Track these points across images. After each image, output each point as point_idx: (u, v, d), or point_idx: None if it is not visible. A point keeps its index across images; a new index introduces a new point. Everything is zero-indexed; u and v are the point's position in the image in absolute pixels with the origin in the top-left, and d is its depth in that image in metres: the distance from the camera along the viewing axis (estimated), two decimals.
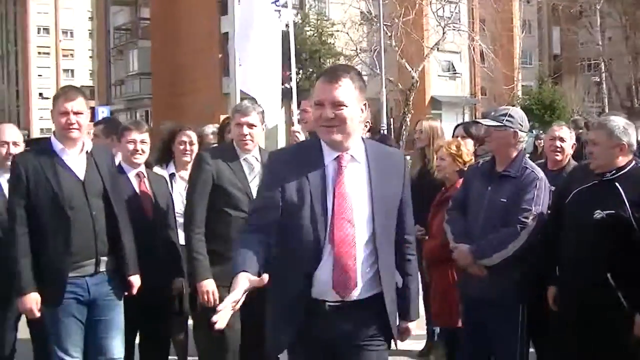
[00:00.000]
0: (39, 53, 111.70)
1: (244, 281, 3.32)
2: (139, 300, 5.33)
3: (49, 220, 4.95)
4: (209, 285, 5.08)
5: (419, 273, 4.28)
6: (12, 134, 6.08)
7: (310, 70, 38.83)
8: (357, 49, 39.64)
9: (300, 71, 39.15)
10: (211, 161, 5.25)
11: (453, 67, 50.94)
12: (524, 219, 5.01)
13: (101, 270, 5.08)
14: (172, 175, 6.58)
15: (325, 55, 39.37)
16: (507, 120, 5.23)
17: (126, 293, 5.29)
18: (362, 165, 3.76)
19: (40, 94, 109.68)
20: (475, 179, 5.46)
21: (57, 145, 5.11)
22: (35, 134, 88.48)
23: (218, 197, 5.18)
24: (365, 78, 28.59)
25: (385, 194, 3.74)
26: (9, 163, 5.49)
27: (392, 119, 39.46)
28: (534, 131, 36.78)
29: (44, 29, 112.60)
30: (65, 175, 5.00)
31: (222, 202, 5.18)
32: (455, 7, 41.87)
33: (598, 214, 4.71)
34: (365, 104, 3.73)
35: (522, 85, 52.51)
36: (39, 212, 4.95)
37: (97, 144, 5.86)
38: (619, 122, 4.86)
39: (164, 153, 6.75)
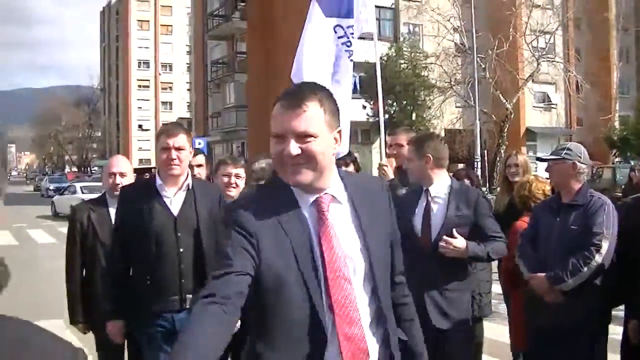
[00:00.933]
0: (139, 86, 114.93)
1: None
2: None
3: (139, 254, 4.96)
4: None
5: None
6: (120, 165, 6.26)
7: (404, 103, 38.95)
8: (451, 81, 39.65)
9: (394, 104, 39.33)
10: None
11: (548, 97, 50.30)
12: (597, 242, 5.06)
13: (187, 307, 4.94)
14: None
15: (419, 88, 39.38)
16: (565, 153, 5.40)
17: None
18: (345, 205, 3.01)
19: (140, 126, 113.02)
20: (544, 213, 5.57)
21: (158, 181, 5.12)
22: (134, 164, 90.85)
23: None
24: (460, 110, 28.83)
25: (378, 237, 3.02)
26: (117, 193, 5.59)
27: (485, 151, 39.19)
28: (631, 162, 36.31)
29: (144, 62, 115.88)
30: (158, 211, 4.98)
31: None
32: (550, 37, 41.49)
33: None
34: (339, 131, 2.96)
35: (619, 116, 51.50)
36: (130, 244, 4.98)
37: (207, 182, 6.03)
38: None
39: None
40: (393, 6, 45.83)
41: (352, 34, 8.09)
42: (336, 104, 2.99)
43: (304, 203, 2.94)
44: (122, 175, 6.18)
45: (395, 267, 3.18)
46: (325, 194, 2.95)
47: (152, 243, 4.91)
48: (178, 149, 5.00)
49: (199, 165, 6.82)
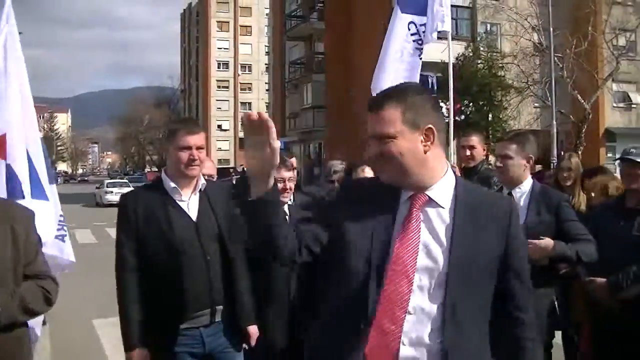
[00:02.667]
0: (219, 87, 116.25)
1: None
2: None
3: (160, 266, 4.49)
4: None
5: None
6: (207, 167, 5.98)
7: (481, 103, 38.68)
8: (527, 80, 39.22)
9: (471, 104, 39.09)
10: None
11: (628, 97, 49.30)
12: None
13: (217, 320, 4.61)
14: None
15: (495, 88, 38.97)
16: None
17: (245, 345, 4.84)
18: (446, 211, 2.93)
19: (219, 126, 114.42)
20: (605, 215, 5.48)
21: (169, 184, 4.68)
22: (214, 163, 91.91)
23: None
24: (537, 110, 28.20)
25: (475, 253, 2.86)
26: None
27: (562, 152, 38.63)
28: None
29: (223, 63, 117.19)
30: (177, 217, 4.58)
31: None
32: (631, 35, 40.68)
33: None
34: (429, 129, 2.90)
35: None
36: (148, 257, 4.52)
37: (213, 180, 5.61)
38: None
39: None
40: (470, 5, 45.53)
41: (424, 32, 8.34)
42: (423, 101, 2.91)
43: (403, 197, 2.95)
44: (210, 177, 5.92)
45: (515, 300, 2.98)
46: (423, 194, 2.92)
47: (176, 253, 4.49)
48: (199, 148, 4.64)
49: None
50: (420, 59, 8.59)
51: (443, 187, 2.96)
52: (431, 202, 2.93)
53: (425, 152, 2.89)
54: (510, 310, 2.99)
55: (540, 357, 3.13)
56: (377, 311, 2.80)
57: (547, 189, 5.53)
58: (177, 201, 4.64)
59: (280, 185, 5.29)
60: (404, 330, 2.79)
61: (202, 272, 4.53)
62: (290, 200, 5.67)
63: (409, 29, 8.26)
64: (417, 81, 8.24)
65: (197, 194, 4.73)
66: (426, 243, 2.86)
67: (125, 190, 49.51)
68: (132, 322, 4.47)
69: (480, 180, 6.56)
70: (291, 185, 5.53)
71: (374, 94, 8.03)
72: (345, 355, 2.81)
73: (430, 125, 2.89)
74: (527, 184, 5.25)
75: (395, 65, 8.21)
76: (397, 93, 2.93)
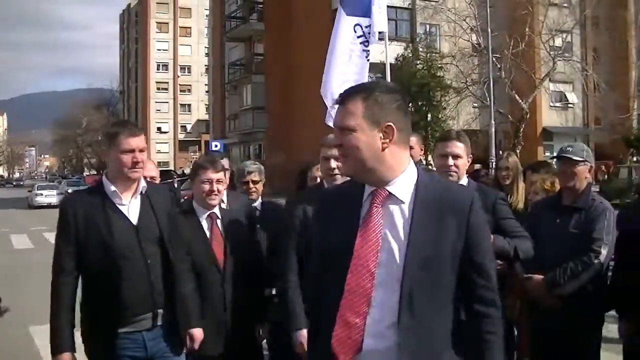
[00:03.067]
0: (158, 88, 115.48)
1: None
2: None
3: (100, 270, 4.42)
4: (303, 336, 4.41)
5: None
6: (149, 169, 5.80)
7: (420, 103, 38.88)
8: (466, 81, 39.57)
9: (410, 104, 39.20)
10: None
11: (565, 97, 50.10)
12: (597, 248, 5.05)
13: (158, 324, 4.54)
14: None
15: (434, 88, 39.32)
16: (586, 155, 5.41)
17: (186, 348, 4.81)
18: (406, 205, 2.96)
19: (159, 128, 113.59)
20: (543, 212, 5.56)
21: (109, 187, 4.57)
22: None
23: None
24: (476, 110, 28.70)
25: (434, 247, 2.89)
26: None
27: (501, 151, 39.09)
28: None
29: (163, 65, 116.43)
30: (117, 221, 4.49)
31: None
32: (567, 36, 41.30)
33: None
34: (389, 126, 2.94)
35: (638, 115, 51.10)
36: (88, 261, 4.45)
37: (155, 183, 5.43)
38: None
39: (301, 190, 6.32)
40: (410, 6, 45.70)
41: (370, 33, 8.27)
42: (389, 100, 2.96)
43: (366, 194, 3.02)
44: (152, 179, 5.72)
45: (476, 292, 2.99)
46: (383, 189, 2.98)
47: (116, 257, 4.40)
48: (142, 150, 4.55)
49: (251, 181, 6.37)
50: (368, 60, 8.52)
51: (403, 182, 3.00)
52: (391, 197, 2.97)
53: (383, 149, 2.94)
54: (472, 304, 3.01)
55: (501, 352, 3.04)
56: (341, 305, 2.91)
57: (483, 187, 5.48)
58: (117, 205, 4.55)
59: (206, 187, 5.29)
60: (367, 323, 2.87)
61: (142, 275, 4.46)
62: (222, 202, 5.57)
63: (355, 31, 8.21)
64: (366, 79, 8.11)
65: (138, 197, 4.64)
66: (387, 238, 2.92)
67: (54, 193, 50.51)
68: (61, 328, 4.37)
69: None
70: (219, 187, 5.33)
71: (325, 99, 8.12)
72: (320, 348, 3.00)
73: (390, 123, 2.93)
74: (464, 182, 5.16)
75: (344, 68, 8.14)
76: (364, 89, 3.01)
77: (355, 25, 8.20)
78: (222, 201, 5.55)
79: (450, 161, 5.09)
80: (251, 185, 6.31)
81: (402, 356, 2.83)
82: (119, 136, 4.50)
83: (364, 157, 2.93)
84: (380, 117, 2.93)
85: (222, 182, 5.42)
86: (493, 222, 4.89)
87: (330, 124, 7.98)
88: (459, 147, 5.14)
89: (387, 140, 2.94)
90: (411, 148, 6.94)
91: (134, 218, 4.55)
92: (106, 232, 4.42)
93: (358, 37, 8.27)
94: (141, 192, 4.64)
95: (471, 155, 5.34)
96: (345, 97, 2.98)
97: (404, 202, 2.96)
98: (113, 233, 4.43)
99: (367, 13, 8.32)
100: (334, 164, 4.95)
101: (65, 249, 4.44)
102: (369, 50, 8.46)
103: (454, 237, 2.93)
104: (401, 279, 2.84)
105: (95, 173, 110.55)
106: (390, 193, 2.97)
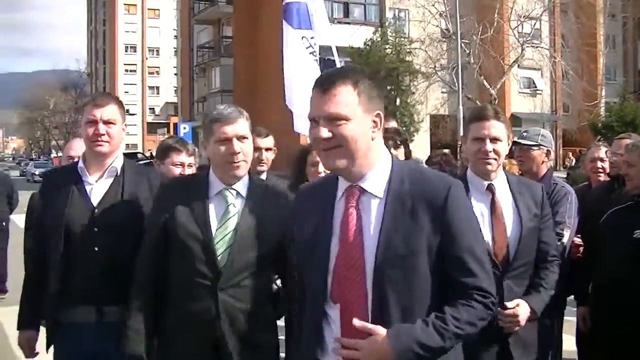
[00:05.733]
0: (126, 71, 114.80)
1: None
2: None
3: (49, 253, 4.15)
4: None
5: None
6: (79, 148, 5.43)
7: (389, 88, 38.82)
8: (435, 66, 39.55)
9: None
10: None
11: (534, 83, 50.32)
12: (559, 231, 4.88)
13: (106, 320, 4.04)
14: None
15: (403, 73, 39.35)
16: (541, 140, 5.46)
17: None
18: (380, 200, 2.83)
19: (127, 111, 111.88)
20: None
21: (80, 163, 4.31)
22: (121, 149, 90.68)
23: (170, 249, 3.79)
24: (444, 95, 28.70)
25: (406, 245, 2.74)
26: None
27: None
28: None
29: (131, 47, 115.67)
30: (75, 201, 4.12)
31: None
32: (535, 23, 41.38)
33: (638, 233, 4.73)
34: (378, 115, 2.83)
35: (605, 102, 51.50)
36: (42, 242, 4.24)
37: (145, 167, 5.15)
38: None
39: (299, 177, 5.43)
40: None
41: (315, 44, 8.52)
42: (374, 87, 2.86)
43: (340, 191, 2.92)
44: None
45: (450, 292, 2.81)
46: (357, 186, 2.86)
47: (64, 239, 4.07)
48: (107, 122, 4.18)
49: (268, 149, 5.65)
50: (321, 70, 8.61)
51: (377, 175, 2.87)
52: (365, 192, 2.86)
53: (372, 139, 2.84)
54: (453, 302, 2.80)
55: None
56: (340, 314, 2.84)
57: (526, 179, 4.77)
58: (84, 183, 4.22)
59: (177, 170, 5.24)
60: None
61: (86, 263, 4.05)
62: None
63: (303, 43, 8.41)
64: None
65: (110, 177, 4.25)
66: (367, 236, 2.81)
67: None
68: (25, 304, 4.31)
69: None
70: (189, 172, 5.20)
71: (292, 108, 8.14)
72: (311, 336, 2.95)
73: (379, 111, 2.84)
74: (501, 176, 4.29)
75: (305, 81, 8.05)
76: (352, 74, 2.84)
77: (302, 37, 8.40)
78: None
79: (489, 145, 4.09)
80: (264, 153, 5.56)
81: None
82: (85, 107, 4.30)
83: (359, 148, 2.79)
84: (371, 105, 2.81)
85: (192, 167, 5.33)
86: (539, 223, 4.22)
87: (301, 131, 8.08)
88: (498, 128, 4.13)
89: (376, 130, 2.85)
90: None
91: (95, 199, 4.16)
92: (61, 212, 4.08)
93: (307, 47, 8.45)
94: (116, 174, 4.25)
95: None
96: (333, 83, 2.79)
97: (378, 197, 2.84)
98: (66, 214, 4.08)
99: (309, 26, 8.52)
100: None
101: (29, 230, 4.55)
102: (318, 59, 8.62)
103: (429, 232, 2.77)
104: (372, 281, 2.75)
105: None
106: (363, 189, 2.86)
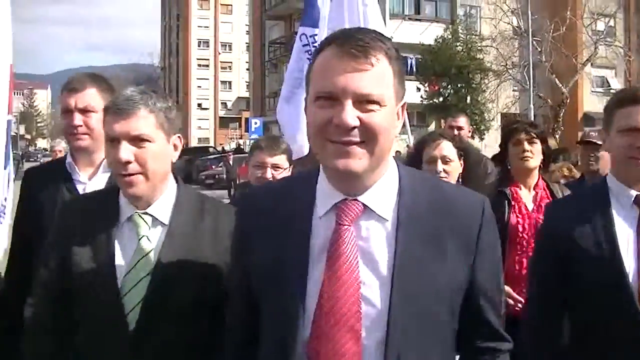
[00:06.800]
0: (199, 65, 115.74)
1: None
2: None
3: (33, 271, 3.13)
4: None
5: None
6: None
7: (459, 85, 38.68)
8: (506, 64, 39.17)
9: (449, 86, 39.12)
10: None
11: (607, 82, 49.42)
12: None
13: None
14: None
15: (474, 71, 39.06)
16: None
17: None
18: (388, 225, 2.09)
19: (199, 105, 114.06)
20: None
21: (68, 158, 3.69)
22: (193, 143, 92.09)
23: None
24: (516, 94, 28.29)
25: (428, 283, 2.04)
26: None
27: None
28: None
29: (204, 42, 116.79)
30: (63, 200, 3.44)
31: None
32: (609, 20, 40.69)
33: None
34: (403, 105, 2.14)
35: None
36: (26, 261, 3.49)
37: None
38: None
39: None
40: None
41: (313, 43, 8.02)
42: (403, 68, 2.13)
43: (324, 205, 2.13)
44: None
45: (486, 327, 2.21)
46: (355, 200, 2.09)
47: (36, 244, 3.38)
48: (83, 110, 3.54)
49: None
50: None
51: (383, 188, 2.12)
52: (367, 211, 2.10)
53: (394, 137, 2.13)
54: (477, 341, 2.23)
55: None
56: None
57: None
58: (74, 182, 3.61)
59: (258, 173, 4.55)
60: None
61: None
62: None
63: (301, 40, 8.02)
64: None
65: (105, 172, 3.60)
66: (364, 274, 2.06)
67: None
68: None
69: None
70: (274, 174, 4.52)
71: (284, 129, 7.48)
72: None
73: (405, 101, 2.17)
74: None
75: (288, 83, 7.82)
76: (386, 42, 2.06)
77: (302, 34, 8.09)
78: None
79: None
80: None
81: None
82: (61, 93, 3.68)
83: (385, 148, 2.05)
84: (401, 89, 2.10)
85: (279, 169, 4.54)
86: None
87: (280, 118, 7.63)
88: None
89: (398, 123, 2.14)
90: (461, 129, 7.02)
91: None
92: (48, 211, 3.42)
93: (303, 45, 8.14)
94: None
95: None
96: (369, 47, 1.99)
97: (385, 220, 2.10)
98: (44, 211, 3.49)
99: (315, 24, 8.17)
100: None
101: (20, 229, 3.73)
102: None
103: (456, 265, 2.10)
104: (385, 331, 2.02)
105: None
106: (365, 206, 2.09)
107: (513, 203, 4.81)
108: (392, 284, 2.02)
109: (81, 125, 3.54)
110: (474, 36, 41.04)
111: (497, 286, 2.25)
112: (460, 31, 41.14)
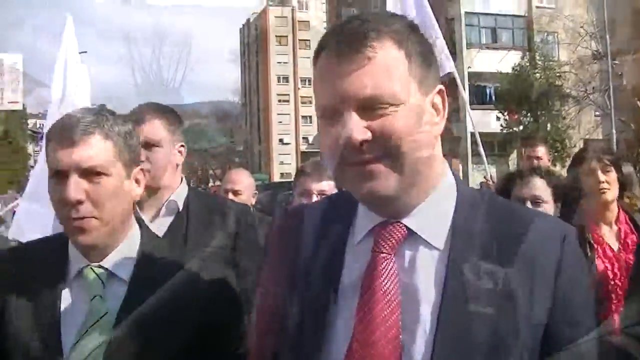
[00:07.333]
0: (279, 101, 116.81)
1: None
2: None
3: None
4: None
5: None
6: (239, 180, 5.26)
7: (539, 112, 38.19)
8: (586, 89, 38.51)
9: (529, 114, 38.67)
10: None
11: None
12: None
13: None
14: None
15: (553, 97, 38.53)
16: None
17: None
18: (438, 254, 1.68)
19: (281, 140, 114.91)
20: None
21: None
22: (276, 178, 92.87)
23: None
24: (598, 119, 27.69)
25: (488, 327, 1.59)
26: None
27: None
28: None
29: (283, 77, 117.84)
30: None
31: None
32: None
33: None
34: (441, 92, 1.74)
35: None
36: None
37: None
38: None
39: None
40: (526, 14, 45.00)
41: None
42: (426, 44, 1.71)
43: (362, 228, 1.76)
44: (235, 193, 5.12)
45: None
46: (398, 222, 1.70)
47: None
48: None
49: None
50: None
51: (435, 207, 1.72)
52: (413, 237, 1.70)
53: (435, 136, 1.72)
54: None
55: None
56: None
57: None
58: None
59: (304, 201, 4.10)
60: None
61: None
62: None
63: None
64: None
65: (165, 218, 3.24)
66: (405, 313, 1.65)
67: None
68: None
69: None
70: None
71: None
72: None
73: (441, 86, 1.73)
74: None
75: None
76: (391, 21, 1.69)
77: None
78: None
79: None
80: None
81: None
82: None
83: (416, 156, 1.64)
84: (429, 76, 1.69)
85: (326, 193, 3.99)
86: None
87: None
88: None
89: (439, 118, 1.72)
90: (540, 159, 6.52)
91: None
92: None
93: None
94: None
95: None
96: (364, 38, 1.61)
97: (435, 248, 1.69)
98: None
99: None
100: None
101: None
102: None
103: (530, 304, 1.62)
104: None
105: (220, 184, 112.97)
106: (410, 231, 1.70)
107: (595, 246, 4.06)
108: (437, 333, 1.60)
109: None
110: (552, 62, 40.49)
111: (582, 318, 1.71)
112: (538, 58, 40.68)
